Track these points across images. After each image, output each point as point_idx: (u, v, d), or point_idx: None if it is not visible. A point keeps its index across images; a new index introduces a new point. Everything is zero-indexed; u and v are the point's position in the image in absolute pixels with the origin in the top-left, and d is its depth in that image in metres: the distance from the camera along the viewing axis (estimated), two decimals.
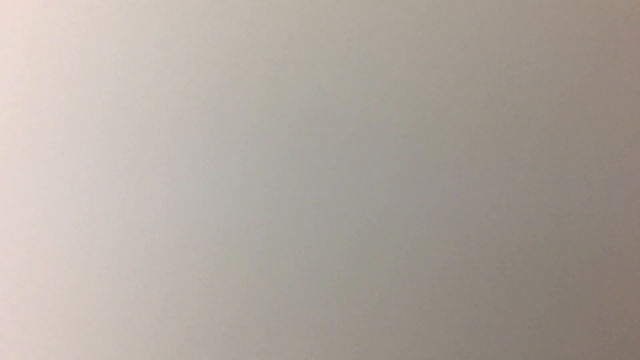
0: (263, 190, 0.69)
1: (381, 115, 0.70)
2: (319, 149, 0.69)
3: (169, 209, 0.69)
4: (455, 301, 0.70)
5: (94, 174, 0.68)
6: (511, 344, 0.71)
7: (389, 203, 0.70)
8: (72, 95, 0.68)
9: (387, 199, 0.70)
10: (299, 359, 0.70)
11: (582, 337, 0.71)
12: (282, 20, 0.69)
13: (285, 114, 0.69)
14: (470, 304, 0.70)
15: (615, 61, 0.71)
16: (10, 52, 0.68)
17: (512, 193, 0.71)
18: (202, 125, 0.69)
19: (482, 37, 0.70)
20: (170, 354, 0.69)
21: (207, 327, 0.69)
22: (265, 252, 0.69)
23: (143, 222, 0.68)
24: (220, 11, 0.69)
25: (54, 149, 0.68)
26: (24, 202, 0.68)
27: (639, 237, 0.71)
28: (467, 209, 0.70)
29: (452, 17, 0.70)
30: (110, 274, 0.68)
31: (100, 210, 0.68)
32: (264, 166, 0.69)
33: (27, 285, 0.68)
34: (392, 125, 0.70)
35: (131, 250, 0.68)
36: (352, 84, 0.70)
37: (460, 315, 0.70)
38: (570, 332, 0.71)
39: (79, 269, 0.68)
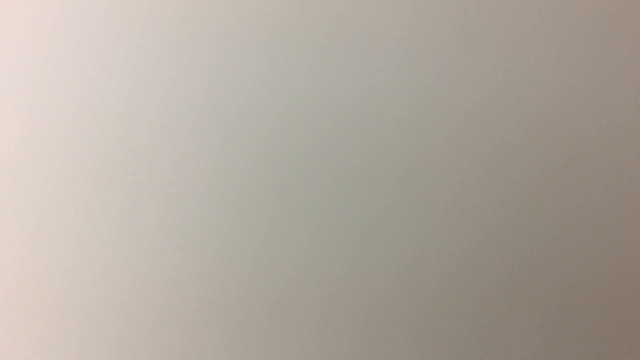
0: (263, 191, 0.69)
1: (381, 115, 0.70)
2: (318, 150, 0.70)
3: (168, 210, 0.69)
4: (455, 302, 0.70)
5: (94, 175, 0.68)
6: (511, 344, 0.71)
7: (389, 204, 0.70)
8: (73, 97, 0.68)
9: (387, 200, 0.70)
10: (299, 359, 0.70)
11: (582, 337, 0.71)
12: (282, 20, 0.69)
13: (286, 115, 0.69)
14: (470, 304, 0.71)
15: (615, 61, 0.71)
16: (10, 53, 0.68)
17: (512, 193, 0.71)
18: (203, 125, 0.69)
19: (481, 38, 0.70)
20: (170, 354, 0.69)
21: (207, 327, 0.69)
22: (265, 254, 0.69)
23: (143, 224, 0.68)
24: (220, 11, 0.69)
25: (55, 150, 0.68)
26: (24, 202, 0.68)
27: (639, 237, 0.71)
28: (468, 210, 0.70)
29: (451, 17, 0.70)
30: (110, 274, 0.69)
31: (100, 212, 0.68)
32: (264, 167, 0.69)
33: (26, 285, 0.68)
34: (392, 125, 0.70)
35: (131, 252, 0.69)
36: (353, 84, 0.70)
37: (460, 316, 0.71)
38: (570, 332, 0.71)
39: (78, 269, 0.69)
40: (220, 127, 0.69)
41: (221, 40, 0.69)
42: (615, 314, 0.71)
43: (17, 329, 0.68)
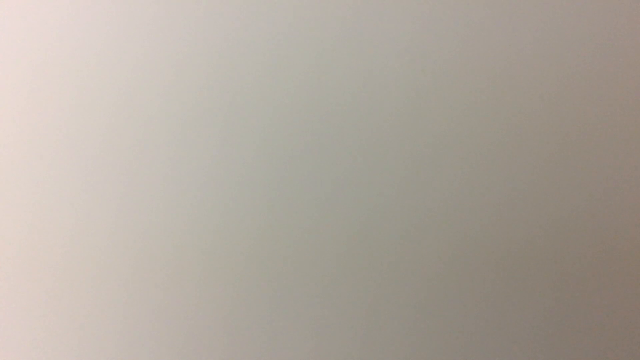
0: (263, 191, 0.69)
1: (381, 115, 0.70)
2: (318, 150, 0.70)
3: (168, 210, 0.69)
4: (455, 302, 0.70)
5: (94, 174, 0.68)
6: (510, 344, 0.71)
7: (387, 201, 0.70)
8: (74, 97, 0.68)
9: (385, 198, 0.70)
10: (299, 359, 0.70)
11: (582, 337, 0.71)
12: (282, 19, 0.69)
13: (286, 115, 0.69)
14: (469, 304, 0.71)
15: (615, 61, 0.71)
16: (11, 54, 0.68)
17: (512, 194, 0.71)
18: (203, 125, 0.69)
19: (482, 37, 0.70)
20: (170, 354, 0.69)
21: (208, 328, 0.69)
22: (266, 254, 0.69)
23: (142, 223, 0.68)
24: (220, 11, 0.69)
25: (55, 149, 0.68)
26: (24, 202, 0.68)
27: (639, 237, 0.71)
28: (467, 210, 0.70)
29: (452, 17, 0.70)
30: (111, 275, 0.69)
31: (100, 211, 0.68)
32: (264, 167, 0.69)
33: (26, 285, 0.68)
34: (392, 125, 0.70)
35: (131, 252, 0.69)
36: (352, 84, 0.70)
37: (460, 316, 0.70)
38: (570, 332, 0.71)
39: (79, 269, 0.69)
40: (218, 122, 0.69)
41: (219, 36, 0.69)
42: (615, 313, 0.71)
43: (16, 326, 0.68)
